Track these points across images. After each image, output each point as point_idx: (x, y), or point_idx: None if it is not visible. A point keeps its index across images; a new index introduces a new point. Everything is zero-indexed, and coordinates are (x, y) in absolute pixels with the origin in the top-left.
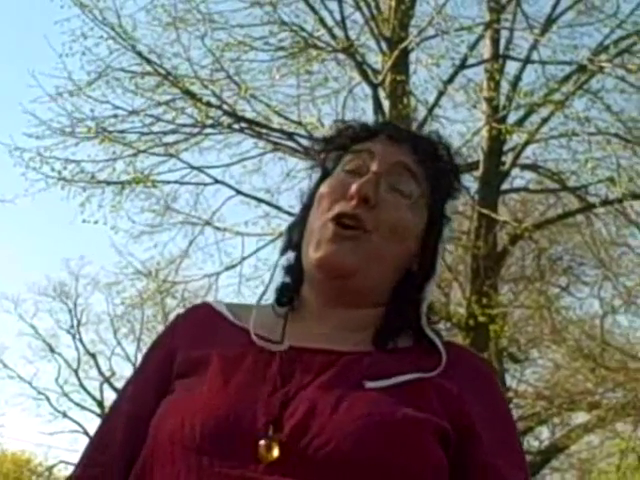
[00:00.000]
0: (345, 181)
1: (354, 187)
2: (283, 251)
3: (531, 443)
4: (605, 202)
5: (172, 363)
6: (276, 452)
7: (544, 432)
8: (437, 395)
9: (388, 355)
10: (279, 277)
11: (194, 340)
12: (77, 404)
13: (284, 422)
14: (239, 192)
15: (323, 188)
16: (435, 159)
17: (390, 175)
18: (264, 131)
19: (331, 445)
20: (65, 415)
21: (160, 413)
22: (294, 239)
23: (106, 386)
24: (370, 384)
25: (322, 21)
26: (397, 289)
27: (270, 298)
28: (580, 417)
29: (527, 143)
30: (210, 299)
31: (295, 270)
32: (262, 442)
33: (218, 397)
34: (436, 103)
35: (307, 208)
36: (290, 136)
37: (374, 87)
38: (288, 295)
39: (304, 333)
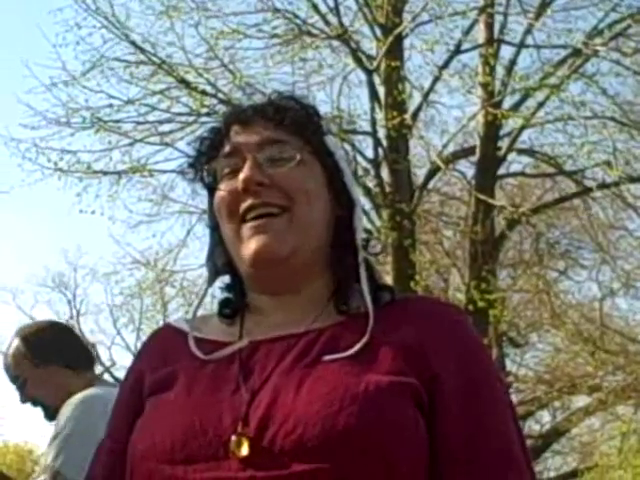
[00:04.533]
0: (230, 183)
1: (240, 181)
2: (211, 280)
3: (532, 427)
4: (602, 186)
5: (141, 388)
6: (246, 448)
7: (545, 416)
8: (401, 353)
9: (347, 325)
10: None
11: (159, 362)
12: None
13: (250, 416)
14: None
15: (216, 202)
16: (288, 115)
17: (263, 152)
18: None
19: (298, 431)
20: None
21: (133, 436)
22: (218, 264)
23: (107, 376)
24: (328, 358)
25: (316, 8)
26: (336, 244)
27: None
28: (581, 400)
29: (523, 128)
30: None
31: (234, 287)
32: (233, 439)
33: (183, 407)
34: (431, 89)
35: (215, 228)
36: None
37: (369, 73)
38: (231, 309)
39: (261, 327)
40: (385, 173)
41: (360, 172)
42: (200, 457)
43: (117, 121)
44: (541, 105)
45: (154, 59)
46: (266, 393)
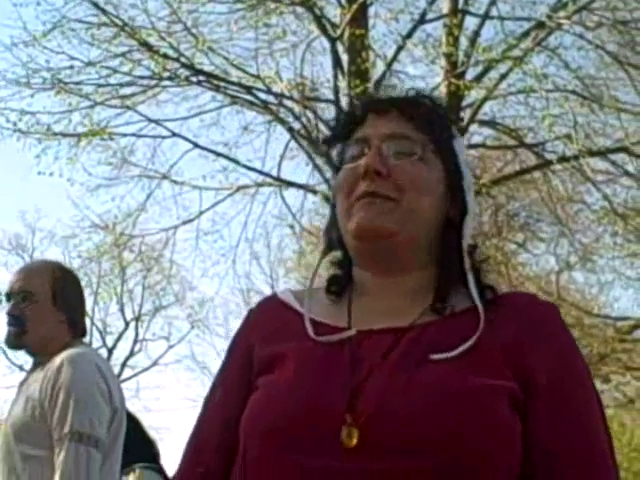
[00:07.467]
0: (353, 167)
1: (362, 166)
2: (325, 252)
3: None
4: (562, 159)
5: (251, 361)
6: (355, 439)
7: None
8: (501, 355)
9: (449, 323)
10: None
11: (268, 336)
12: None
13: (360, 408)
14: (197, 145)
15: (338, 179)
16: (421, 112)
17: (388, 144)
18: (222, 84)
19: (405, 429)
20: (22, 368)
21: (246, 414)
22: (333, 238)
23: None
24: (435, 357)
25: None
26: (442, 241)
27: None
28: None
29: (485, 99)
30: (167, 253)
31: (343, 264)
32: (344, 430)
33: (296, 393)
34: (395, 58)
35: (334, 205)
36: (248, 90)
37: (332, 41)
38: (338, 287)
39: (366, 313)
40: None
41: (322, 140)
42: (310, 444)
43: (78, 83)
44: (504, 77)
45: (116, 21)
46: (374, 387)
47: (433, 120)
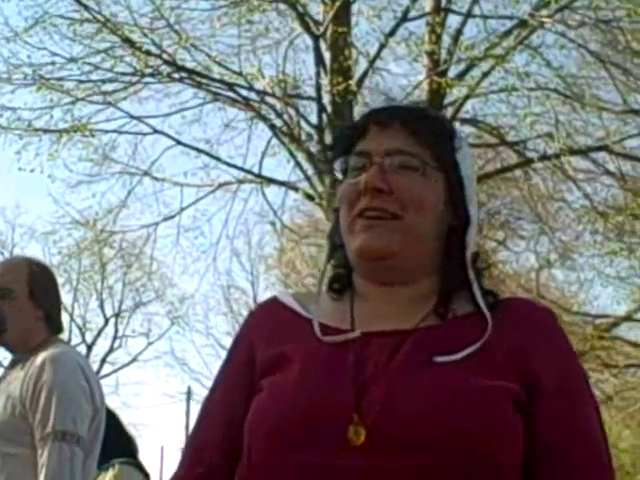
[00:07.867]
0: (354, 181)
1: (362, 183)
2: (329, 256)
3: None
4: (543, 157)
5: (253, 362)
6: (363, 437)
7: None
8: (505, 358)
9: (452, 326)
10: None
11: (270, 338)
12: None
13: (367, 408)
14: (178, 142)
15: (340, 191)
16: (424, 126)
17: (389, 159)
18: (204, 81)
19: (411, 428)
20: (0, 365)
21: (252, 414)
22: (337, 242)
23: None
24: (440, 359)
25: None
26: (445, 251)
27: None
28: None
29: (467, 97)
30: (148, 249)
31: (345, 265)
32: (351, 428)
33: (302, 393)
34: (377, 55)
35: (338, 211)
36: (230, 86)
37: (315, 38)
38: (340, 285)
39: (370, 315)
40: (329, 139)
41: (303, 137)
42: (317, 443)
43: (59, 79)
44: (486, 75)
45: (98, 17)
46: (380, 386)
47: (435, 134)
